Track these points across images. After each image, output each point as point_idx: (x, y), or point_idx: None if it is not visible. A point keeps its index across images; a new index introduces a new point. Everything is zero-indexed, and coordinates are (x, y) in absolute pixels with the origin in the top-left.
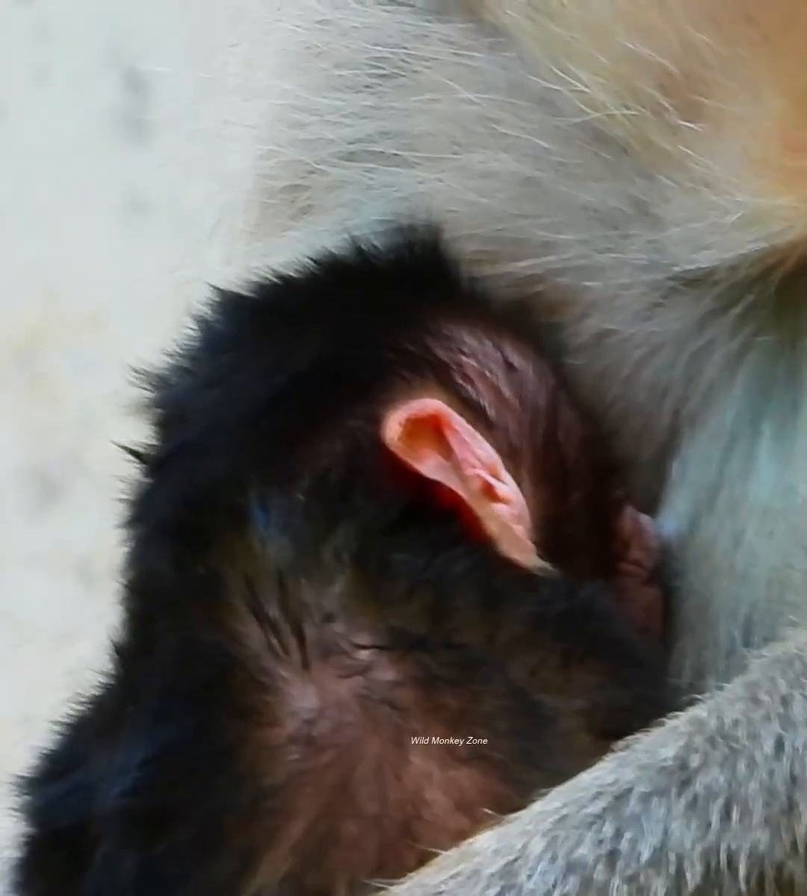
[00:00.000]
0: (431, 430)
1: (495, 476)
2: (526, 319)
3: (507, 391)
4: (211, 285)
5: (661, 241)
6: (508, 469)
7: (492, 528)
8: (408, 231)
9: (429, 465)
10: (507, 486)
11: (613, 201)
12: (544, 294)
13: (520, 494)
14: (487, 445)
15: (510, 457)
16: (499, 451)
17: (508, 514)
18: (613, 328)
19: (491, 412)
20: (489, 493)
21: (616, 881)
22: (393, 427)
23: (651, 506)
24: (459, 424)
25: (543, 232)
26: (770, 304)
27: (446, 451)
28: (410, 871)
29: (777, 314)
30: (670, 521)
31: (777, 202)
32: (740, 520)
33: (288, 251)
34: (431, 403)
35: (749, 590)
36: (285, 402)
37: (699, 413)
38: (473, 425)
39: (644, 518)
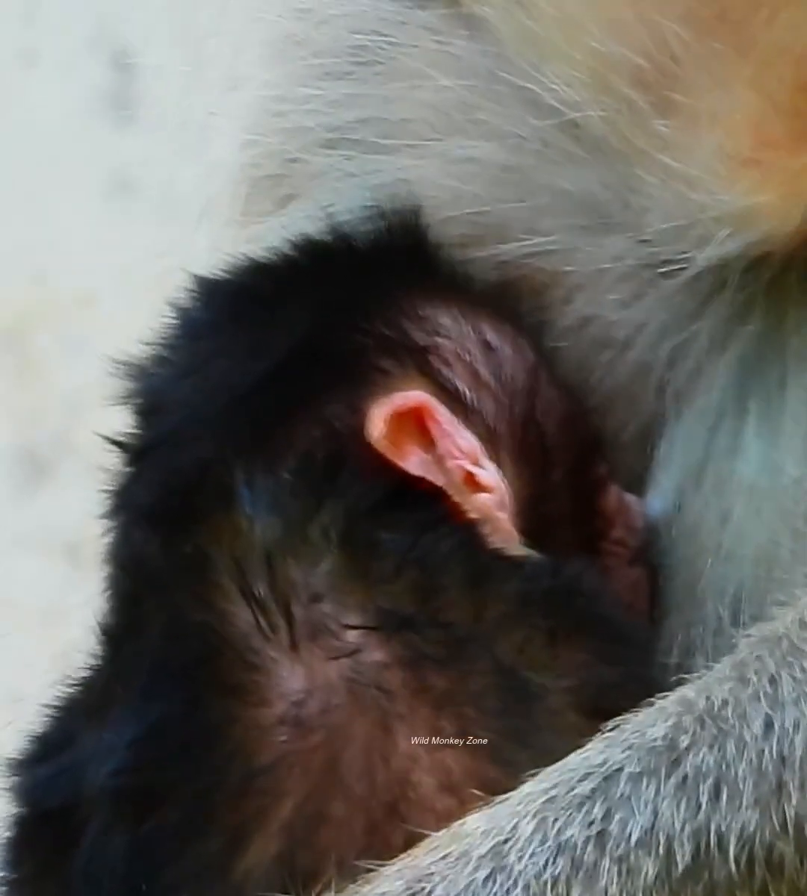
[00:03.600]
0: (413, 423)
1: (477, 464)
2: (507, 301)
3: (485, 372)
4: (190, 272)
5: (643, 232)
6: (488, 453)
7: (475, 516)
8: (387, 215)
9: (412, 461)
10: (489, 474)
11: (594, 189)
12: (526, 278)
13: (501, 480)
14: (467, 434)
15: (490, 440)
16: (479, 435)
17: (490, 502)
18: (595, 313)
19: (470, 396)
20: (472, 482)
21: (606, 862)
22: (376, 424)
23: (637, 485)
24: (440, 415)
25: (524, 217)
26: (756, 299)
27: (428, 443)
28: (399, 852)
29: (763, 307)
30: (656, 500)
31: (758, 200)
32: (727, 498)
33: (271, 238)
34: (413, 396)
35: (736, 568)
36: (263, 390)
37: (685, 392)
38: (453, 411)
39: (630, 497)
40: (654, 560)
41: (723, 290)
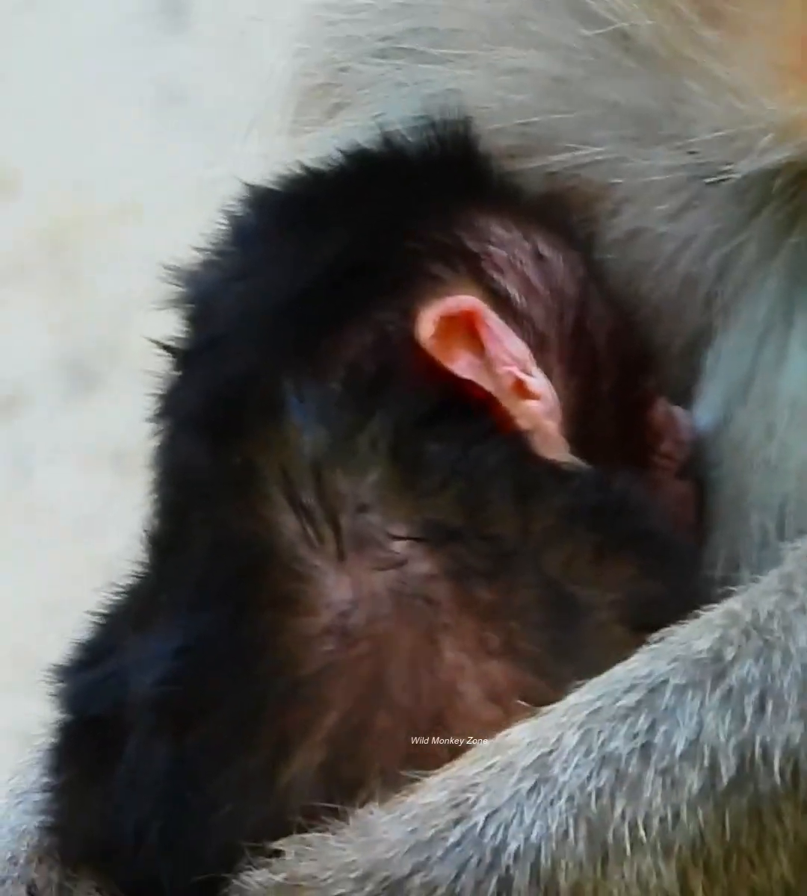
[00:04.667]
0: (463, 327)
1: (527, 372)
2: (557, 212)
3: (536, 281)
4: (241, 181)
5: (691, 143)
6: (538, 362)
7: (524, 424)
8: (438, 125)
9: (461, 364)
10: (538, 382)
11: (643, 100)
12: (575, 189)
13: (551, 389)
14: (518, 341)
15: (540, 349)
16: (529, 343)
17: (539, 410)
18: (643, 225)
19: (522, 303)
20: (521, 389)
21: (650, 774)
22: (426, 325)
23: (684, 398)
24: (491, 320)
25: (573, 128)
26: (803, 208)
27: (478, 347)
28: (443, 763)
29: None
30: (703, 414)
31: (804, 110)
32: (773, 412)
33: (321, 148)
34: (465, 300)
35: (782, 482)
36: (314, 296)
37: (732, 305)
38: (504, 318)
39: (677, 410)
40: (701, 473)
41: (770, 201)
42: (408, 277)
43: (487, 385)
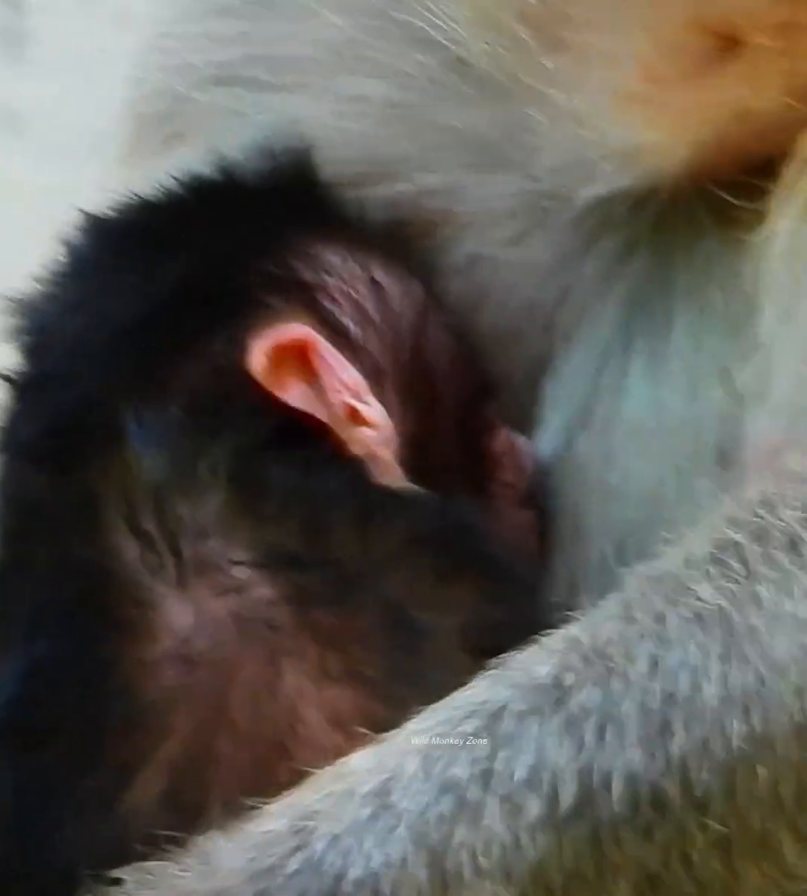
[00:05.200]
0: (296, 357)
1: (361, 400)
2: (396, 241)
3: (373, 311)
4: (79, 210)
5: (532, 169)
6: (374, 391)
7: (359, 451)
8: (277, 154)
9: (294, 394)
10: (373, 410)
11: (482, 127)
12: (417, 217)
13: (386, 417)
14: (352, 369)
15: (376, 378)
16: (365, 372)
17: (374, 438)
18: (483, 252)
19: (357, 333)
20: (355, 417)
21: (491, 800)
22: (258, 356)
23: (527, 426)
24: (324, 349)
25: (413, 155)
26: (642, 235)
27: (312, 377)
28: (285, 789)
29: (650, 244)
30: (545, 441)
31: (646, 138)
32: (613, 438)
33: (159, 177)
34: (297, 329)
35: (622, 508)
36: (151, 326)
37: (572, 330)
38: (339, 348)
39: (519, 439)
40: (543, 502)
41: (610, 228)
42: (242, 308)
43: (321, 414)
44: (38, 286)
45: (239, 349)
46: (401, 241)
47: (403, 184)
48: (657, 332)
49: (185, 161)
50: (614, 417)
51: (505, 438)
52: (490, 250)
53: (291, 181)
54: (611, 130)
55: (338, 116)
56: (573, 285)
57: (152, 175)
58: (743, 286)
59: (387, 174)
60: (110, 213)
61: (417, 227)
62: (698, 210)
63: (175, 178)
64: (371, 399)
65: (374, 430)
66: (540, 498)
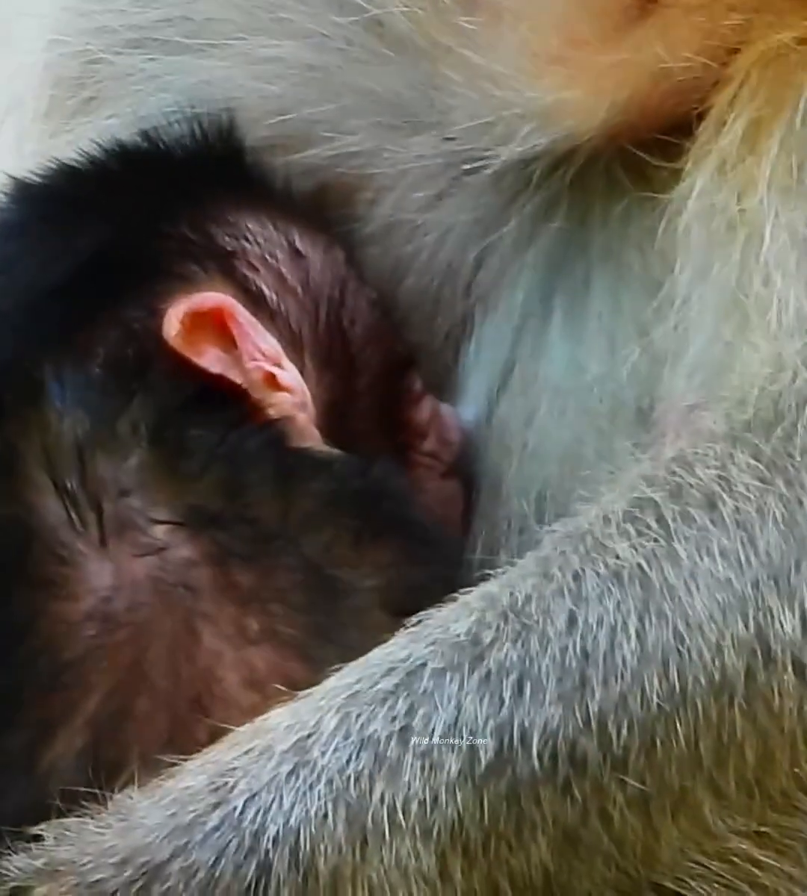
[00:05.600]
0: (212, 324)
1: (278, 365)
2: (316, 208)
3: (291, 278)
4: (2, 176)
5: (448, 130)
6: (290, 357)
7: (276, 416)
8: (198, 119)
9: (209, 359)
10: (289, 375)
11: (399, 88)
12: (335, 181)
13: (302, 383)
14: (268, 336)
15: (293, 344)
16: (282, 339)
17: (290, 402)
18: (402, 216)
19: (274, 300)
20: (272, 382)
21: (409, 757)
22: (172, 322)
23: (449, 391)
24: (241, 316)
25: (330, 118)
26: (560, 196)
27: (228, 343)
28: (203, 746)
29: (568, 204)
30: (467, 406)
31: (563, 97)
32: (533, 399)
33: (77, 141)
34: (212, 297)
35: (541, 467)
36: (69, 291)
37: (491, 294)
38: (256, 315)
39: (446, 409)
40: (468, 471)
41: (527, 188)
42: (159, 274)
43: (237, 379)
44: None
45: (156, 315)
46: (321, 208)
47: (320, 147)
48: (576, 292)
49: (104, 125)
50: (534, 378)
51: (429, 408)
52: (408, 215)
53: (212, 148)
54: (529, 91)
55: (254, 78)
56: (492, 248)
57: (71, 139)
58: (659, 245)
59: (304, 137)
60: (29, 178)
61: (335, 192)
62: (615, 170)
63: (96, 144)
64: (288, 364)
65: (290, 394)
66: (465, 467)
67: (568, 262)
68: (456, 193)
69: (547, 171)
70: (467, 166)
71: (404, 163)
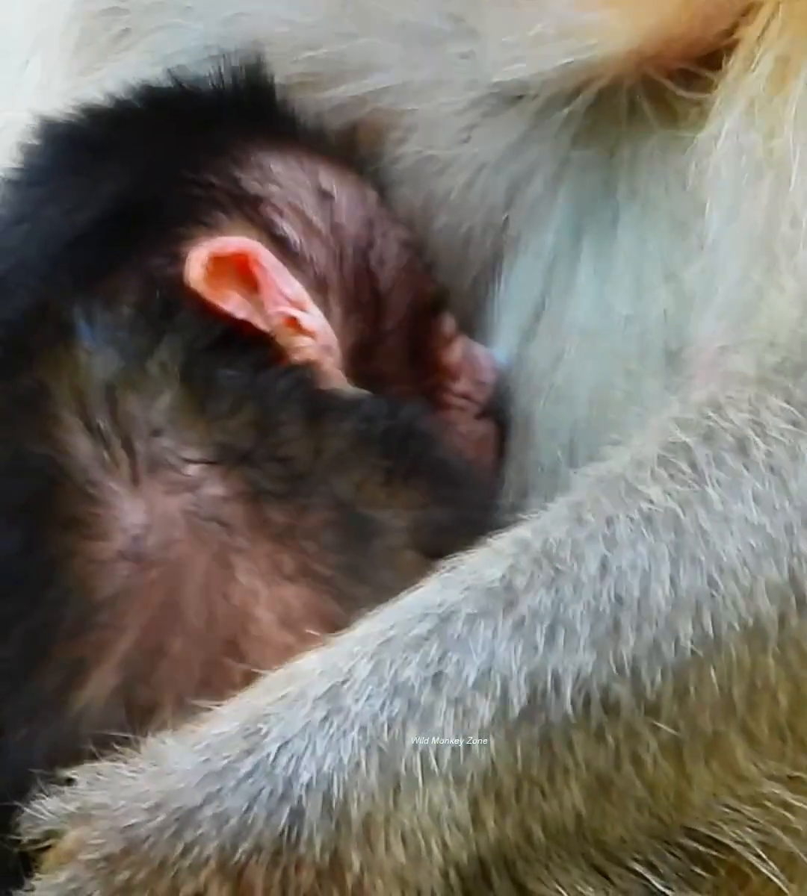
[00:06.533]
0: (235, 268)
1: (302, 310)
2: (346, 147)
3: (318, 220)
4: (31, 116)
5: (478, 56)
6: (316, 301)
7: (300, 360)
8: (228, 57)
9: (232, 303)
10: (313, 320)
11: (430, 17)
12: (365, 119)
13: (327, 327)
14: (293, 280)
15: (318, 288)
16: (307, 283)
17: (314, 346)
18: (433, 153)
19: (300, 244)
20: (295, 327)
21: (442, 704)
22: (195, 267)
23: (480, 332)
24: (265, 260)
25: (362, 53)
26: (587, 119)
27: (251, 287)
28: (237, 688)
29: (594, 129)
30: (499, 347)
31: (591, 17)
32: (561, 339)
33: (106, 79)
34: (236, 241)
35: (570, 409)
36: (96, 236)
37: (522, 232)
38: (281, 258)
39: (479, 350)
40: (501, 413)
41: (556, 118)
42: (183, 220)
43: (261, 323)
44: None
45: (180, 260)
46: (352, 147)
47: (352, 84)
48: (604, 232)
49: (138, 63)
50: (563, 319)
51: (462, 350)
52: (439, 150)
53: (241, 87)
54: (558, 14)
55: (286, 12)
56: (522, 186)
57: (100, 76)
58: (686, 185)
59: (336, 75)
60: (56, 121)
61: (366, 130)
62: (642, 104)
63: (124, 84)
64: (312, 309)
65: (314, 339)
66: (498, 409)
67: (596, 200)
68: (486, 124)
69: (572, 94)
70: (497, 92)
71: (434, 97)
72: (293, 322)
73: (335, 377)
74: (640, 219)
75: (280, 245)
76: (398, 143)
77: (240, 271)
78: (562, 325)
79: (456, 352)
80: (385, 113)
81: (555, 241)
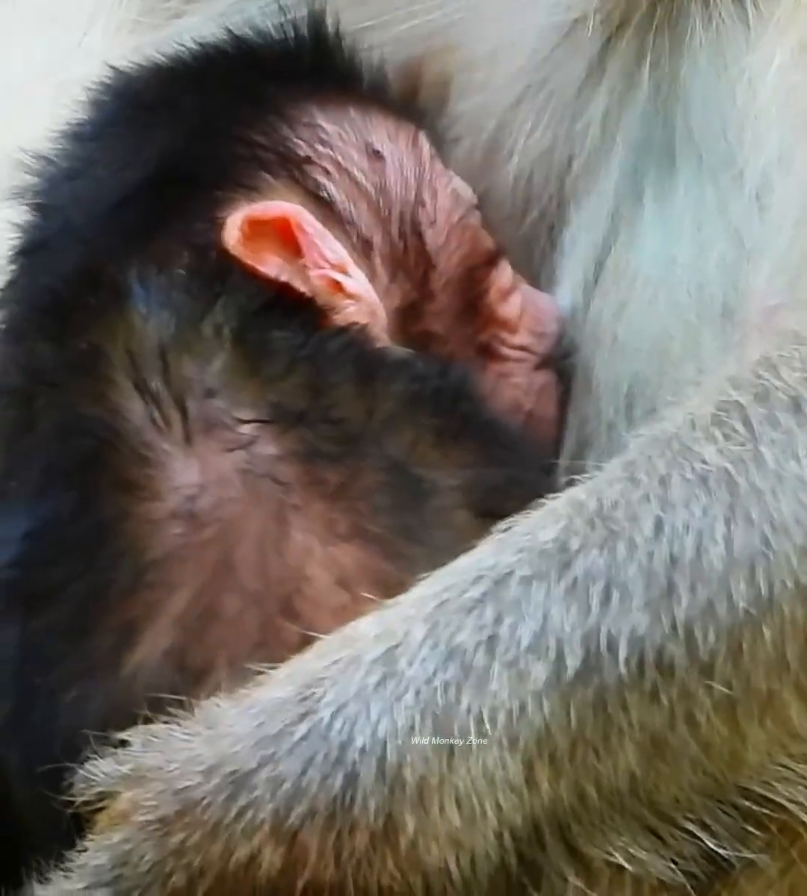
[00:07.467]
0: (274, 232)
1: (344, 273)
2: (404, 95)
3: (365, 181)
4: (85, 77)
5: None
6: (359, 264)
7: (342, 323)
8: (284, 12)
9: (272, 267)
10: (356, 283)
11: None
12: (424, 65)
13: (370, 290)
14: (336, 244)
15: (363, 251)
16: (351, 245)
17: (356, 310)
18: (493, 98)
19: (346, 206)
20: (337, 290)
21: (496, 667)
22: (230, 231)
23: (545, 280)
24: (307, 224)
25: None
26: (642, 65)
27: (292, 251)
28: (291, 650)
29: (650, 78)
30: (563, 296)
31: None
32: (624, 289)
33: (172, 38)
34: (276, 205)
35: (631, 362)
36: (141, 201)
37: (584, 181)
38: (325, 221)
39: (542, 299)
40: (563, 362)
41: (612, 50)
42: (227, 183)
43: (302, 287)
44: (46, 150)
45: (219, 224)
46: (412, 97)
47: (410, 23)
48: (663, 176)
49: (200, 22)
50: (625, 268)
51: (522, 301)
52: (501, 95)
53: (303, 41)
54: None
55: None
56: (583, 130)
57: (164, 36)
58: (739, 130)
59: (405, 12)
60: (113, 80)
61: (427, 71)
62: (694, 34)
63: (181, 45)
64: (355, 272)
65: (357, 302)
66: (561, 358)
67: (655, 143)
68: (547, 69)
69: (626, 25)
70: (563, 35)
71: (493, 40)
72: (336, 285)
73: (381, 339)
74: (696, 163)
75: (325, 207)
76: (459, 90)
77: (281, 235)
78: (626, 273)
79: (514, 304)
80: (449, 52)
81: (618, 184)
